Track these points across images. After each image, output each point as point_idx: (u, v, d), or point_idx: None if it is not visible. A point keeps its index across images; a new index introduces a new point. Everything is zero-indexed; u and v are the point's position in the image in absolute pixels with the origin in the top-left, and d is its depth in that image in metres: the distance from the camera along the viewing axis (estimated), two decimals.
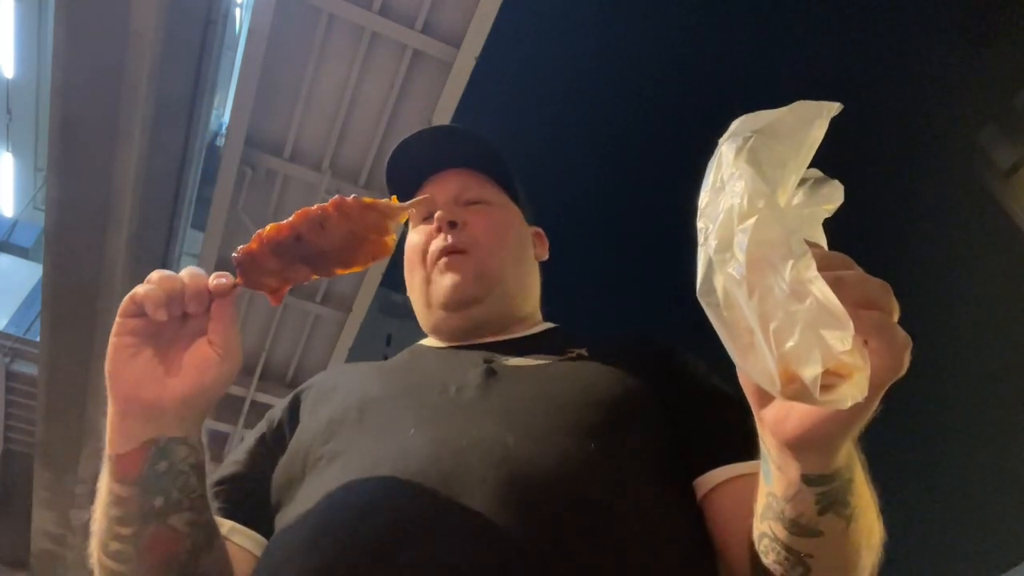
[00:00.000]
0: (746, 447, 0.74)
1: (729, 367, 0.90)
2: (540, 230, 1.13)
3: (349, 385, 0.89)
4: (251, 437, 0.91)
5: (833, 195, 0.51)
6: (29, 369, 7.00)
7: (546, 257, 1.11)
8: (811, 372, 0.42)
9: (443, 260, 0.97)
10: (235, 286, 0.67)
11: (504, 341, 0.95)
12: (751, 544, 0.65)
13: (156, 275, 0.65)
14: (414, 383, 0.86)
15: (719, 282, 0.47)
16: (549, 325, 1.04)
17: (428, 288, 0.99)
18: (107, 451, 0.67)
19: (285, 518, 0.76)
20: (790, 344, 0.42)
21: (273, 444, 0.87)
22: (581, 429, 0.73)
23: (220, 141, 6.04)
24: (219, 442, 6.32)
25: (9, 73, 11.26)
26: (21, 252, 11.47)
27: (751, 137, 0.49)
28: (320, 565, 0.64)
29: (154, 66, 4.39)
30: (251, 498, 0.82)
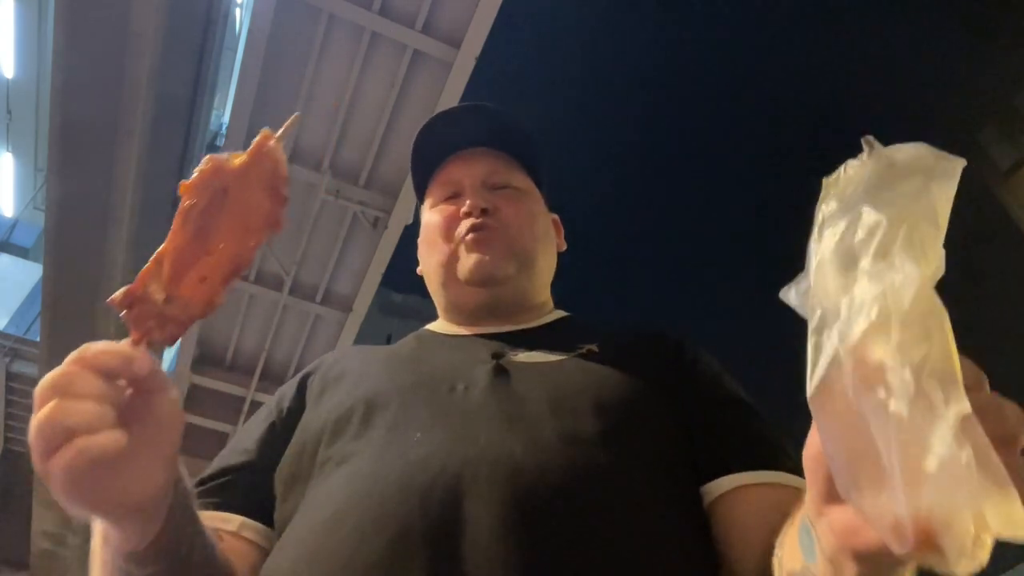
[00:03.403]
0: (754, 456, 0.74)
1: (737, 366, 0.90)
2: (557, 218, 1.10)
3: (355, 375, 0.87)
4: (259, 424, 0.87)
5: (940, 266, 0.42)
6: (29, 369, 7.01)
7: (564, 247, 1.09)
8: (958, 544, 0.35)
9: (472, 236, 0.94)
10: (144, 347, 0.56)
11: (515, 332, 0.92)
12: (763, 568, 0.63)
13: (79, 415, 0.50)
14: (422, 377, 0.83)
15: (844, 395, 0.39)
16: (561, 314, 1.02)
17: (452, 265, 0.96)
18: (122, 550, 0.59)
19: (290, 521, 0.74)
20: (942, 511, 0.35)
21: (283, 432, 0.85)
22: (589, 437, 0.72)
23: (220, 141, 6.04)
24: (219, 442, 6.32)
25: (9, 73, 11.26)
26: (21, 252, 11.48)
27: (907, 220, 0.40)
28: None
29: (154, 66, 4.38)
30: (261, 489, 0.80)
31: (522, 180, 1.02)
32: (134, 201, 4.91)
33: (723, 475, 0.74)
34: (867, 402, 0.38)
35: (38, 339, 6.10)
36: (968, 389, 0.37)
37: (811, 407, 0.41)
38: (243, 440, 0.86)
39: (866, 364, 0.38)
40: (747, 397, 0.84)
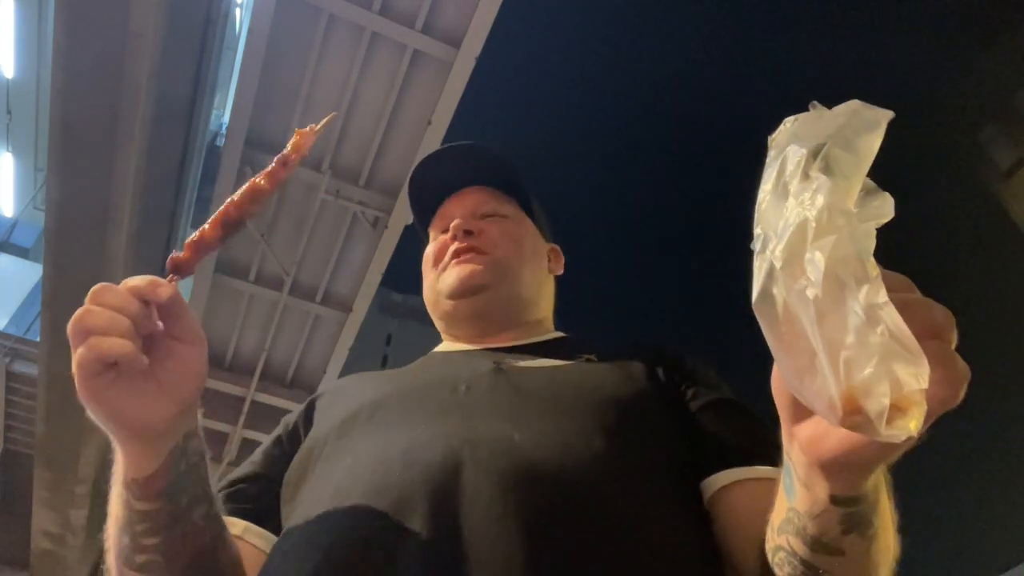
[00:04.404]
0: (753, 452, 0.76)
1: (735, 376, 0.91)
2: (557, 247, 1.16)
3: (363, 388, 0.91)
4: (267, 442, 0.93)
5: (884, 208, 0.46)
6: (29, 369, 7.01)
7: (561, 272, 1.15)
8: (877, 406, 0.40)
9: (455, 258, 1.01)
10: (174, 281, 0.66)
11: (516, 346, 0.97)
12: (761, 553, 0.64)
13: (98, 318, 0.59)
14: (425, 382, 0.88)
15: (780, 296, 0.44)
16: (560, 334, 1.06)
17: (437, 283, 1.03)
18: (124, 477, 0.65)
19: (294, 513, 0.77)
20: (860, 377, 0.40)
21: (288, 446, 0.89)
22: (588, 428, 0.74)
23: (220, 141, 6.04)
24: (219, 442, 6.33)
25: (9, 73, 11.26)
26: (21, 252, 11.48)
27: (825, 144, 0.45)
28: (323, 554, 0.65)
29: (154, 66, 4.39)
30: (265, 497, 0.84)
31: (511, 210, 1.09)
32: (134, 201, 4.91)
33: (721, 470, 0.76)
34: (793, 295, 0.43)
35: (38, 339, 6.11)
36: (895, 290, 0.42)
37: (756, 315, 0.46)
38: (252, 456, 0.91)
39: (791, 264, 0.43)
40: (745, 402, 0.85)
